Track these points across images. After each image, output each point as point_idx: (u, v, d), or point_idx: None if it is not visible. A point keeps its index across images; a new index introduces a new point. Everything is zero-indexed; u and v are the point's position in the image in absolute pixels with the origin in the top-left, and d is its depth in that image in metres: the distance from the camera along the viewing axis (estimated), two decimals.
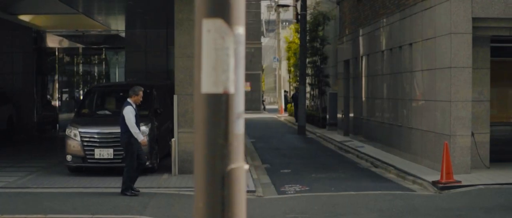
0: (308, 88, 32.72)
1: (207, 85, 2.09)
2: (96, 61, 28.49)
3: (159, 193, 11.58)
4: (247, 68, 47.32)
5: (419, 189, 12.75)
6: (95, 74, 28.70)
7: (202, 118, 2.11)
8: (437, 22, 14.35)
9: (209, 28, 2.08)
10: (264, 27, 65.58)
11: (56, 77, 27.46)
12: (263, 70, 62.82)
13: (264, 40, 68.32)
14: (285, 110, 43.61)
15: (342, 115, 24.71)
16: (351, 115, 23.26)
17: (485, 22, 13.90)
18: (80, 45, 27.78)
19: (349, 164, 16.97)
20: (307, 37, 29.96)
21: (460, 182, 12.59)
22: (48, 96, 26.85)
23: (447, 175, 12.51)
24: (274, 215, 10.02)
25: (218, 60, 2.08)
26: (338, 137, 23.71)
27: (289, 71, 41.11)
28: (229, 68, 2.09)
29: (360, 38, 21.70)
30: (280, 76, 47.95)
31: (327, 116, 27.57)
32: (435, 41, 14.46)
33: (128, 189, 11.28)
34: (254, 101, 47.94)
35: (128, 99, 11.53)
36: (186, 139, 13.67)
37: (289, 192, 12.33)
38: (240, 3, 2.11)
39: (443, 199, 11.49)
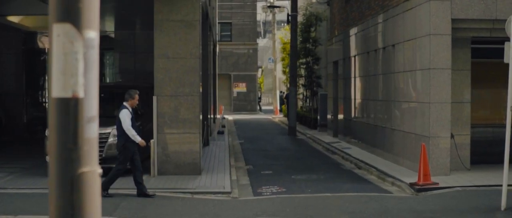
0: (301, 89, 32.74)
1: (57, 89, 2.10)
2: None
3: (134, 194, 11.57)
4: (243, 69, 47.35)
5: (397, 191, 12.73)
6: None
7: (53, 122, 2.12)
8: (417, 24, 14.33)
9: (59, 32, 2.09)
10: (261, 28, 65.60)
11: (47, 78, 27.47)
12: (262, 71, 62.79)
13: (263, 41, 68.28)
14: (280, 110, 43.62)
15: (331, 116, 24.70)
16: (341, 116, 23.24)
17: (465, 23, 13.87)
18: None
19: (333, 166, 16.95)
20: (300, 38, 29.98)
21: (437, 184, 12.57)
22: (44, 100, 26.85)
23: (424, 176, 12.49)
24: (244, 216, 10.01)
25: (67, 64, 2.09)
26: (327, 138, 23.71)
27: (284, 72, 41.09)
28: (78, 73, 2.09)
29: (348, 39, 21.68)
30: (275, 77, 47.94)
31: (318, 117, 27.56)
32: (415, 42, 14.44)
33: (105, 190, 11.29)
34: (250, 102, 47.90)
35: (124, 103, 11.60)
36: (166, 140, 13.69)
37: (265, 193, 12.32)
38: (92, 7, 2.12)
39: (418, 201, 11.47)
